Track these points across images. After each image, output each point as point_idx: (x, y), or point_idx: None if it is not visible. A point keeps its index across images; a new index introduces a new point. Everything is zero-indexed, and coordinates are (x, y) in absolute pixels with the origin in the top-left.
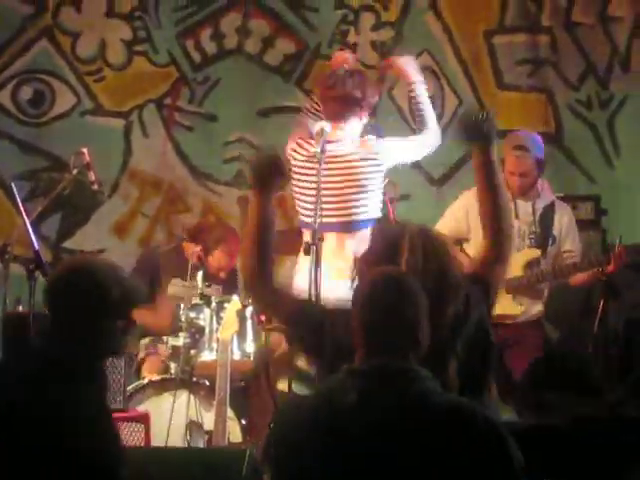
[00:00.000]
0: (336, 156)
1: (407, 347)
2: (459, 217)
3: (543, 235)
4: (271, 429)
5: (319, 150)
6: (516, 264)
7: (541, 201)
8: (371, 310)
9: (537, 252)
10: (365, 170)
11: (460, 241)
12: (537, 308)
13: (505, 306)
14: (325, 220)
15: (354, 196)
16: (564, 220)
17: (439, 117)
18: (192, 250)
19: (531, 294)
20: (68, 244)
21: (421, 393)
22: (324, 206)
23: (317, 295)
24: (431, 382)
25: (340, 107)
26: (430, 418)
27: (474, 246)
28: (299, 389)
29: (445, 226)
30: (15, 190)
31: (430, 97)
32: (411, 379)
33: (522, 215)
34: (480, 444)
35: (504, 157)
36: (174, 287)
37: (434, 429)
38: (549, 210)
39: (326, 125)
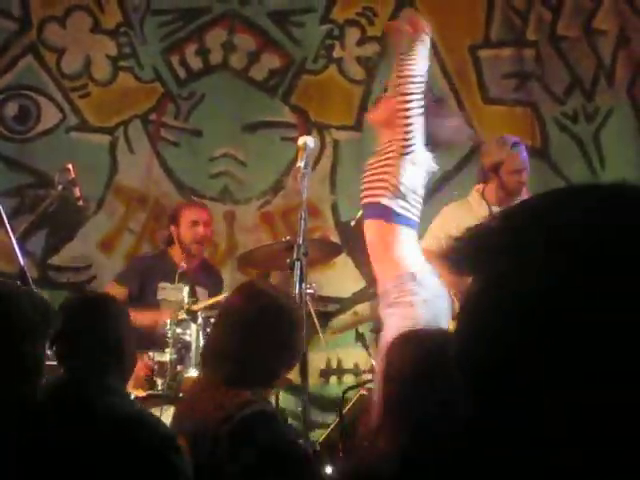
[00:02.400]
0: None
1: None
2: (441, 237)
3: None
4: None
5: (302, 165)
6: None
7: None
8: None
9: None
10: None
11: None
12: None
13: None
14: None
15: None
16: None
17: None
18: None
19: None
20: (54, 260)
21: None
22: None
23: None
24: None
25: None
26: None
27: None
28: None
29: (432, 242)
30: (0, 206)
31: None
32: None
33: None
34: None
35: (502, 160)
36: (164, 291)
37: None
38: None
39: (309, 140)
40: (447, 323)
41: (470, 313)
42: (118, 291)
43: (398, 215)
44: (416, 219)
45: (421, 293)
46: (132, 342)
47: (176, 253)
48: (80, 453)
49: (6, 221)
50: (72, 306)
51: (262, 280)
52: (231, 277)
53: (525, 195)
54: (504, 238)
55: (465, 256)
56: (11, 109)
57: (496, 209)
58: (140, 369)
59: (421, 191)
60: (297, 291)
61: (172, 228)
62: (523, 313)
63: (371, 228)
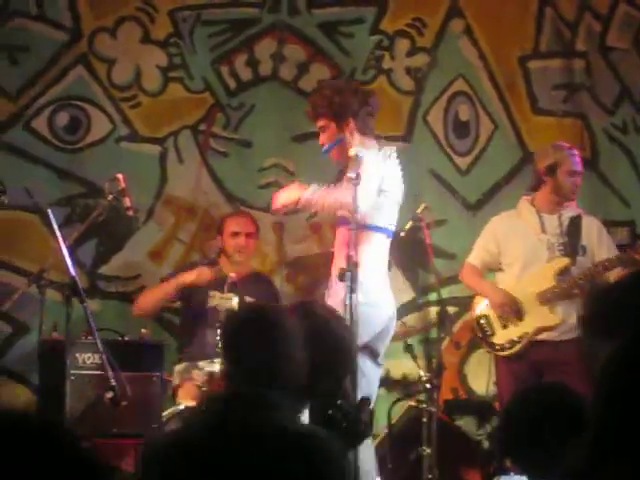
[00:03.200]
0: None
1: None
2: (490, 248)
3: (571, 244)
4: None
5: (353, 175)
6: (547, 275)
7: (567, 212)
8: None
9: (566, 260)
10: None
11: (494, 272)
12: (574, 317)
13: (543, 318)
14: None
15: None
16: (593, 230)
17: (474, 142)
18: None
19: (566, 303)
20: (104, 270)
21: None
22: None
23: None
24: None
25: None
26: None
27: (509, 275)
28: None
29: (477, 257)
30: (52, 216)
31: (465, 121)
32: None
33: (549, 228)
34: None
35: (559, 161)
36: (213, 299)
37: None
38: (576, 220)
39: (360, 150)
40: (369, 333)
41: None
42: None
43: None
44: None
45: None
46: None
47: (225, 263)
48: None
49: (57, 231)
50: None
51: (316, 302)
52: (280, 287)
53: (574, 206)
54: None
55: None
56: (62, 119)
57: (547, 217)
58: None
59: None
60: (348, 302)
61: (218, 238)
62: None
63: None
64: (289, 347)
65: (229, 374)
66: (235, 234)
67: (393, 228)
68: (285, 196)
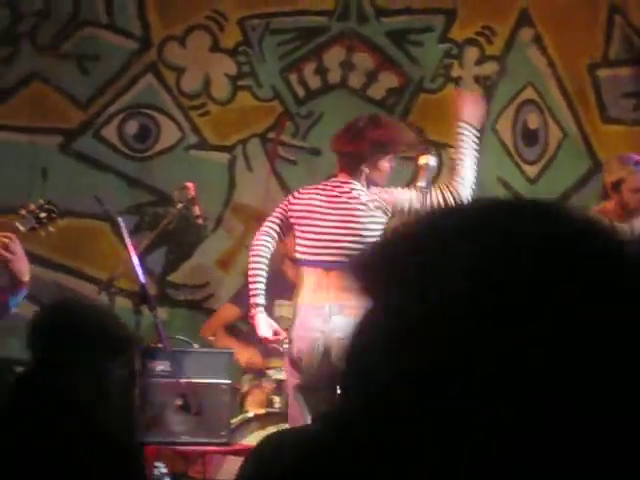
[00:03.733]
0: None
1: None
2: None
3: None
4: None
5: (424, 184)
6: None
7: (637, 221)
8: None
9: None
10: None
11: None
12: None
13: None
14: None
15: (351, 244)
16: None
17: (543, 150)
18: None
19: None
20: (173, 278)
21: None
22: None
23: None
24: None
25: None
26: None
27: None
28: None
29: None
30: (122, 224)
31: (534, 130)
32: None
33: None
34: None
35: (623, 178)
36: (280, 308)
37: None
38: None
39: (430, 159)
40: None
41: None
42: (231, 312)
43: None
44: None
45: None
46: None
47: (289, 269)
48: None
49: (127, 239)
50: None
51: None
52: None
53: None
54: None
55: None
56: (131, 128)
57: (618, 225)
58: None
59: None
60: None
61: (281, 245)
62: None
63: None
64: None
65: None
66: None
67: None
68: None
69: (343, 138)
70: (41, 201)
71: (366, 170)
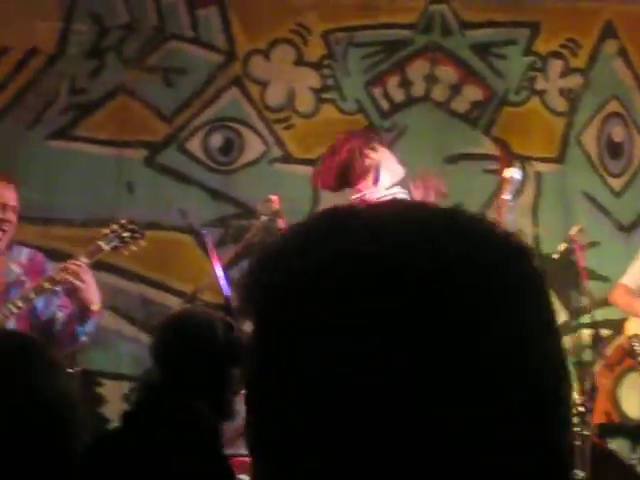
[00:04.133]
0: None
1: None
2: None
3: None
4: None
5: (509, 197)
6: None
7: None
8: None
9: None
10: None
11: None
12: None
13: None
14: None
15: None
16: None
17: (628, 163)
18: None
19: None
20: None
21: None
22: None
23: None
24: None
25: None
26: None
27: None
28: None
29: (632, 278)
30: (207, 237)
31: (619, 143)
32: None
33: None
34: None
35: None
36: None
37: None
38: None
39: (515, 172)
40: None
41: None
42: None
43: None
44: None
45: None
46: None
47: None
48: None
49: (212, 251)
50: None
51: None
52: None
53: None
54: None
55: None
56: (216, 141)
57: None
58: None
59: None
60: None
61: None
62: None
63: None
64: None
65: None
66: None
67: None
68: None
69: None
70: (124, 221)
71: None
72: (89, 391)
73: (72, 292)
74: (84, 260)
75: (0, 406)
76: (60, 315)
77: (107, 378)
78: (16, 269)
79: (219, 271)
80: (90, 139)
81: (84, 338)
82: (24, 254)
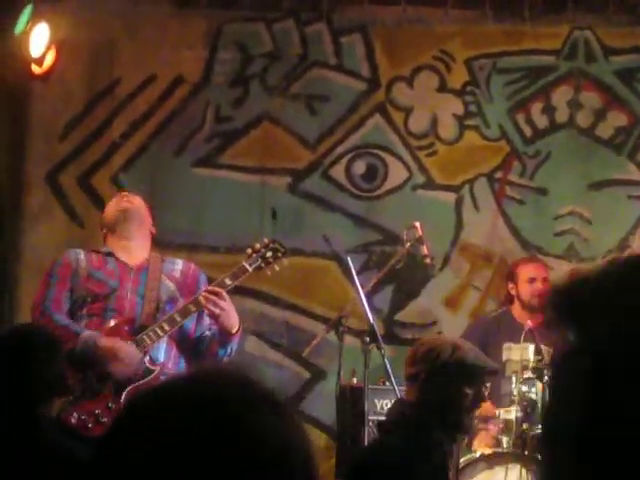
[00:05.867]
0: None
1: None
2: None
3: None
4: None
5: None
6: None
7: None
8: None
9: None
10: None
11: None
12: None
13: None
14: None
15: None
16: None
17: None
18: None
19: None
20: (400, 317)
21: None
22: None
23: None
24: None
25: None
26: None
27: None
28: None
29: None
30: (350, 263)
31: None
32: None
33: None
34: None
35: None
36: (509, 351)
37: None
38: None
39: None
40: None
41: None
42: None
43: None
44: None
45: None
46: None
47: (517, 311)
48: None
49: (355, 278)
50: None
51: None
52: None
53: None
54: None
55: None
56: (359, 167)
57: None
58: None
59: None
60: None
61: (510, 286)
62: None
63: None
64: None
65: None
66: (531, 280)
67: None
68: None
69: None
70: (266, 240)
71: None
72: None
73: (213, 317)
74: (228, 282)
75: None
76: (207, 334)
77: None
78: (170, 285)
79: (363, 297)
80: (234, 166)
81: (225, 359)
82: (177, 268)
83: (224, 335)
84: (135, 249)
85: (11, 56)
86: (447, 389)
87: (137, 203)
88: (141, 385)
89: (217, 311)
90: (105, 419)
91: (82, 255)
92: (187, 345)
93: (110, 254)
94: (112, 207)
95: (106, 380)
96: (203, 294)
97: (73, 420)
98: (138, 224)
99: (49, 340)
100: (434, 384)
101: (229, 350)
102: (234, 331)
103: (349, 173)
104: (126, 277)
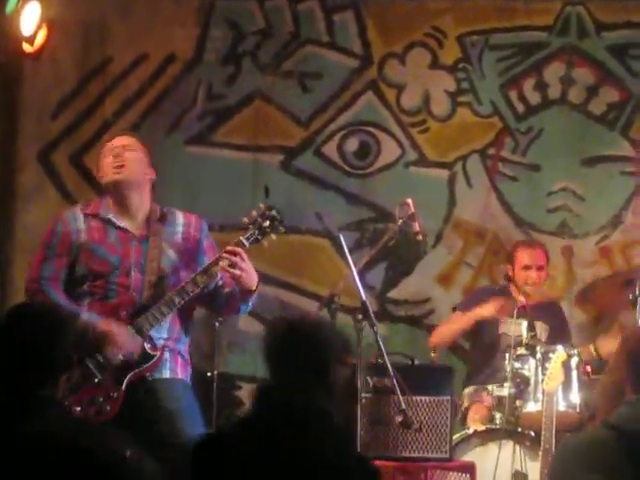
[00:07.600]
0: None
1: None
2: None
3: None
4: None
5: None
6: None
7: None
8: None
9: None
10: None
11: None
12: None
13: None
14: None
15: None
16: None
17: None
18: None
19: None
20: (393, 294)
21: None
22: None
23: None
24: None
25: None
26: None
27: None
28: None
29: None
30: (343, 240)
31: None
32: None
33: None
34: None
35: None
36: (504, 325)
37: None
38: None
39: None
40: None
41: None
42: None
43: None
44: None
45: None
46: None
47: (514, 290)
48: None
49: (348, 255)
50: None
51: None
52: (568, 311)
53: None
54: None
55: None
56: (352, 145)
57: None
58: (482, 405)
59: None
60: None
61: (508, 267)
62: None
63: None
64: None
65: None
66: (526, 267)
67: None
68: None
69: None
70: (262, 206)
71: None
72: (227, 394)
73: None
74: (245, 242)
75: None
76: (227, 290)
77: (244, 381)
78: (171, 254)
79: (355, 275)
80: (227, 144)
81: (244, 313)
82: (178, 231)
83: (245, 292)
84: (135, 210)
85: (2, 35)
86: None
87: (127, 164)
88: (142, 371)
89: (238, 273)
90: (108, 407)
91: (82, 223)
92: (201, 301)
93: (110, 221)
94: (106, 169)
95: (105, 366)
96: (224, 255)
97: (75, 407)
98: (132, 188)
99: (57, 318)
100: None
101: (250, 304)
102: (254, 288)
103: (342, 150)
104: (128, 249)
